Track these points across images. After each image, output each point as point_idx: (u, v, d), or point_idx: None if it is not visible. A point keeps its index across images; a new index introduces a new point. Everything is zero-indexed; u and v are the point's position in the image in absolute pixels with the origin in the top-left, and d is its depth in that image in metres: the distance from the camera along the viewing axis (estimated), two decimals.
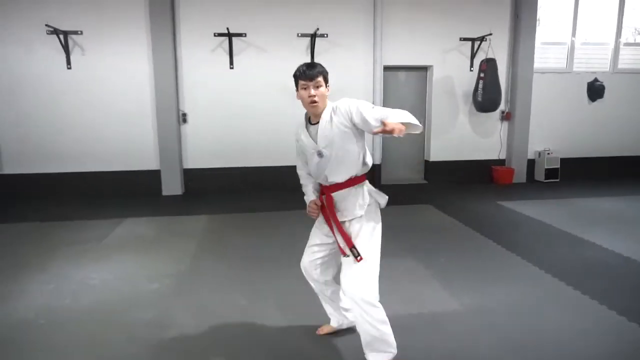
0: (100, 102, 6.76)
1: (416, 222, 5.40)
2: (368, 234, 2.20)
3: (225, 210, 5.93)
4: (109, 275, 3.70)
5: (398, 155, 7.90)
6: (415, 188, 7.45)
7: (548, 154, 7.79)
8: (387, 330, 2.18)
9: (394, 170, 7.88)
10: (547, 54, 7.91)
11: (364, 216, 2.22)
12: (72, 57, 6.60)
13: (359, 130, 2.16)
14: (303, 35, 6.98)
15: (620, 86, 8.04)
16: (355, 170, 2.22)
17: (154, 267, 3.88)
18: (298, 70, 2.23)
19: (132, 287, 3.45)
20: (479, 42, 7.39)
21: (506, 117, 7.78)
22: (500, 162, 7.95)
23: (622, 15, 7.97)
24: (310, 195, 2.41)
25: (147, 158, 6.98)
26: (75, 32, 6.53)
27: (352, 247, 2.16)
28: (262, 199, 6.65)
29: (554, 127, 7.97)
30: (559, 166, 7.84)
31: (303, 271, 2.47)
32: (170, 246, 4.46)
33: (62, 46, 6.48)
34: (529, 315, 2.95)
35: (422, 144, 7.98)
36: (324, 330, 2.67)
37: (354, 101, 2.14)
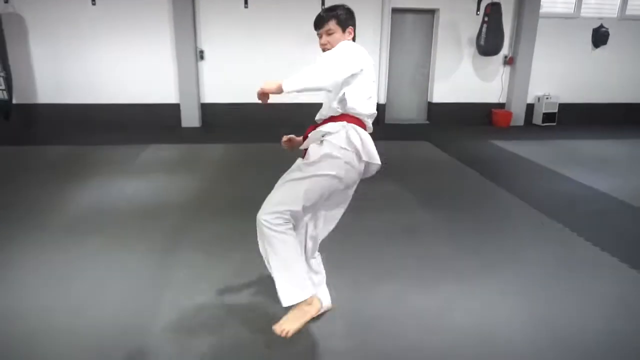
0: (124, 39, 7.20)
1: (411, 155, 5.95)
2: (309, 165, 1.91)
3: (238, 141, 6.52)
4: (142, 190, 4.37)
5: (402, 96, 8.30)
6: (417, 127, 7.93)
7: (547, 98, 8.12)
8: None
9: (398, 111, 8.32)
10: None
11: (322, 150, 1.91)
12: None
13: None
14: None
15: (626, 33, 8.17)
16: (330, 111, 1.99)
17: (175, 184, 4.53)
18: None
19: (161, 197, 4.13)
20: None
21: (508, 61, 8.06)
22: (501, 105, 8.33)
23: None
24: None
25: (167, 92, 7.51)
26: None
27: None
28: (271, 132, 7.21)
29: (556, 72, 8.24)
30: (556, 111, 8.19)
31: (296, 217, 1.92)
32: (192, 168, 5.11)
33: None
34: (487, 225, 3.57)
35: (425, 85, 8.34)
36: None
37: (337, 47, 1.96)
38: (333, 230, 2.15)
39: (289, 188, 1.88)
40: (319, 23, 2.04)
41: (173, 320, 2.21)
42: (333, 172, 1.88)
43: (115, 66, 7.30)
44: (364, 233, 3.30)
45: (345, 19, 2.03)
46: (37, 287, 2.51)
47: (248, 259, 2.71)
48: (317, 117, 2.07)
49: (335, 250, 2.74)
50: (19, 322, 2.17)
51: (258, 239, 1.85)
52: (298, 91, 1.80)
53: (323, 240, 2.17)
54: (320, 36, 2.06)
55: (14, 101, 6.84)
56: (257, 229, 1.83)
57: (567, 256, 3.03)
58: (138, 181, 4.56)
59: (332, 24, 2.01)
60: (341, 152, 1.89)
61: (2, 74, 6.47)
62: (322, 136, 1.93)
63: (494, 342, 2.08)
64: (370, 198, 3.90)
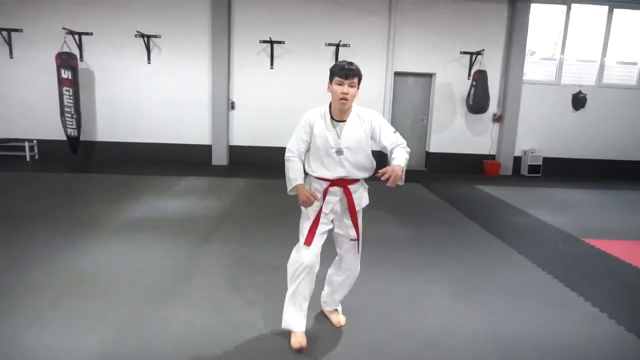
0: (170, 90, 8.78)
1: (402, 194, 7.05)
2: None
3: (258, 177, 7.78)
4: (182, 206, 5.60)
5: None
6: (415, 173, 9.04)
7: (532, 152, 9.19)
8: None
9: None
10: (538, 68, 9.30)
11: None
12: (152, 55, 8.65)
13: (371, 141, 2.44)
14: (329, 44, 8.73)
15: (603, 99, 9.29)
16: (368, 172, 2.49)
17: (207, 204, 5.75)
18: (337, 65, 2.34)
19: (195, 214, 5.34)
20: (475, 55, 8.88)
21: (497, 119, 9.24)
22: (491, 157, 9.42)
23: (608, 36, 9.21)
24: (298, 178, 2.42)
25: (201, 135, 8.96)
26: (156, 36, 8.56)
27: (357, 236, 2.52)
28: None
29: (541, 130, 9.35)
30: (540, 163, 9.21)
31: (306, 269, 2.40)
32: (219, 194, 6.34)
33: (145, 46, 8.54)
34: (453, 245, 4.61)
35: (424, 137, 9.55)
36: (303, 340, 2.47)
37: (380, 117, 2.46)
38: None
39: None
40: (349, 75, 2.29)
41: (200, 282, 3.34)
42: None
43: (160, 112, 8.83)
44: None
45: (361, 78, 2.37)
46: (105, 260, 3.70)
47: (255, 247, 3.85)
48: (349, 176, 2.42)
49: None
50: (114, 269, 3.36)
51: (349, 284, 2.68)
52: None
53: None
54: (340, 84, 2.31)
55: (80, 138, 8.38)
56: (354, 277, 2.65)
57: (499, 260, 4.04)
58: (177, 201, 5.81)
59: (355, 80, 2.32)
60: None
61: (75, 116, 8.05)
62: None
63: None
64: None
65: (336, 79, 2.31)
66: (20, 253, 3.73)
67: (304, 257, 2.38)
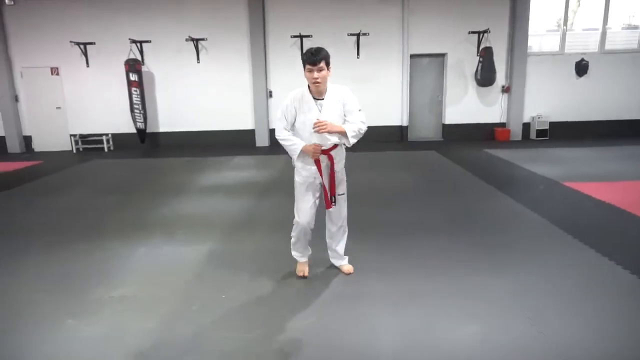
0: (217, 83, 10.31)
1: (418, 159, 8.33)
2: (344, 179, 3.19)
3: None
4: (239, 176, 7.13)
5: (421, 118, 10.70)
6: (433, 143, 10.25)
7: (539, 118, 10.18)
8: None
9: (418, 130, 10.72)
10: (544, 39, 10.23)
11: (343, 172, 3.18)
12: (200, 55, 10.18)
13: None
14: (351, 34, 9.96)
15: (605, 64, 10.13)
16: (333, 141, 2.97)
17: (257, 174, 7.25)
18: (305, 54, 2.74)
19: (250, 181, 6.85)
20: (482, 34, 9.90)
21: (505, 90, 10.26)
22: (502, 124, 10.47)
23: (609, 5, 9.98)
24: (300, 143, 2.93)
25: (245, 121, 10.48)
26: (203, 39, 10.07)
27: (333, 195, 3.04)
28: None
29: (546, 97, 10.30)
30: (547, 127, 10.20)
31: (302, 228, 3.13)
32: (265, 167, 7.83)
33: (195, 48, 10.08)
34: (451, 192, 5.91)
35: (440, 110, 10.69)
36: (305, 270, 3.30)
37: (350, 94, 2.94)
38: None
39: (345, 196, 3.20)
40: (315, 61, 2.70)
41: (259, 223, 4.84)
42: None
43: (209, 103, 10.39)
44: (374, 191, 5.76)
45: (328, 59, 2.77)
46: (198, 208, 5.27)
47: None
48: (329, 143, 2.95)
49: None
50: (205, 213, 4.91)
51: (342, 233, 3.31)
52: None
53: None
54: (310, 71, 2.73)
55: (147, 130, 10.08)
56: (344, 227, 3.28)
57: (485, 197, 5.32)
58: (234, 172, 7.35)
59: (322, 64, 2.72)
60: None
61: (142, 111, 9.74)
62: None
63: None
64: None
65: (307, 66, 2.72)
66: (137, 207, 5.34)
67: (301, 217, 3.10)
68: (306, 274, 3.28)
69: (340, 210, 3.21)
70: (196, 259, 3.74)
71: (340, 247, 3.35)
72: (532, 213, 4.72)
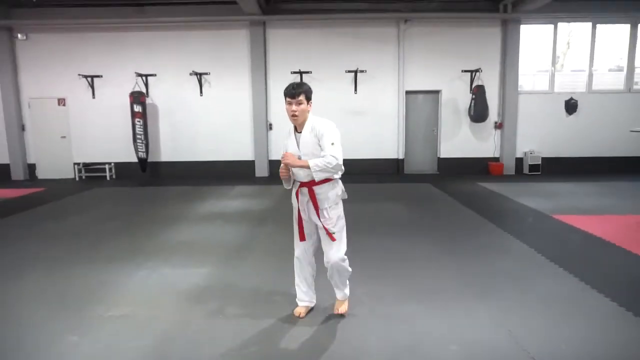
0: (219, 116, 10.64)
1: (413, 191, 8.52)
2: (339, 217, 2.96)
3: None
4: (238, 205, 7.30)
5: (417, 152, 10.97)
6: (428, 176, 10.47)
7: (531, 153, 10.46)
8: (349, 269, 3.07)
9: (414, 164, 10.96)
10: (534, 79, 10.65)
11: (338, 204, 2.95)
12: (203, 89, 10.55)
13: None
14: (349, 71, 10.37)
15: (593, 103, 10.51)
16: (330, 173, 2.81)
17: (256, 203, 7.42)
18: (286, 88, 2.74)
19: (249, 210, 7.01)
20: (474, 72, 10.32)
21: (498, 126, 10.59)
22: (495, 159, 10.74)
23: (594, 49, 10.46)
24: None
25: (246, 152, 10.74)
26: (206, 73, 10.48)
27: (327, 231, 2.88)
28: None
29: (538, 133, 10.62)
30: (539, 162, 10.46)
31: (297, 259, 3.11)
32: (264, 196, 8.01)
33: (198, 82, 10.47)
34: (444, 222, 6.07)
35: (435, 144, 10.98)
36: (302, 312, 3.13)
37: (326, 128, 2.78)
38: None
39: (344, 237, 2.96)
40: (294, 95, 2.71)
41: (257, 249, 4.97)
42: (342, 208, 3.02)
43: (211, 135, 10.68)
44: (372, 222, 5.92)
45: (309, 94, 2.77)
46: (196, 235, 5.40)
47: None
48: (308, 179, 2.85)
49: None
50: (203, 240, 5.04)
51: (335, 273, 2.99)
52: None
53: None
54: (290, 103, 2.74)
55: (148, 159, 10.32)
56: (335, 266, 2.93)
57: (477, 228, 5.48)
58: (234, 201, 7.52)
59: (302, 97, 2.73)
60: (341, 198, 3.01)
61: (144, 141, 10.01)
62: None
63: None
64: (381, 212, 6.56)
65: (287, 99, 2.76)
66: (137, 233, 5.48)
67: (295, 250, 3.12)
68: (302, 315, 3.12)
69: (329, 246, 2.95)
70: (193, 281, 3.86)
71: (335, 284, 3.13)
72: (521, 244, 4.87)
